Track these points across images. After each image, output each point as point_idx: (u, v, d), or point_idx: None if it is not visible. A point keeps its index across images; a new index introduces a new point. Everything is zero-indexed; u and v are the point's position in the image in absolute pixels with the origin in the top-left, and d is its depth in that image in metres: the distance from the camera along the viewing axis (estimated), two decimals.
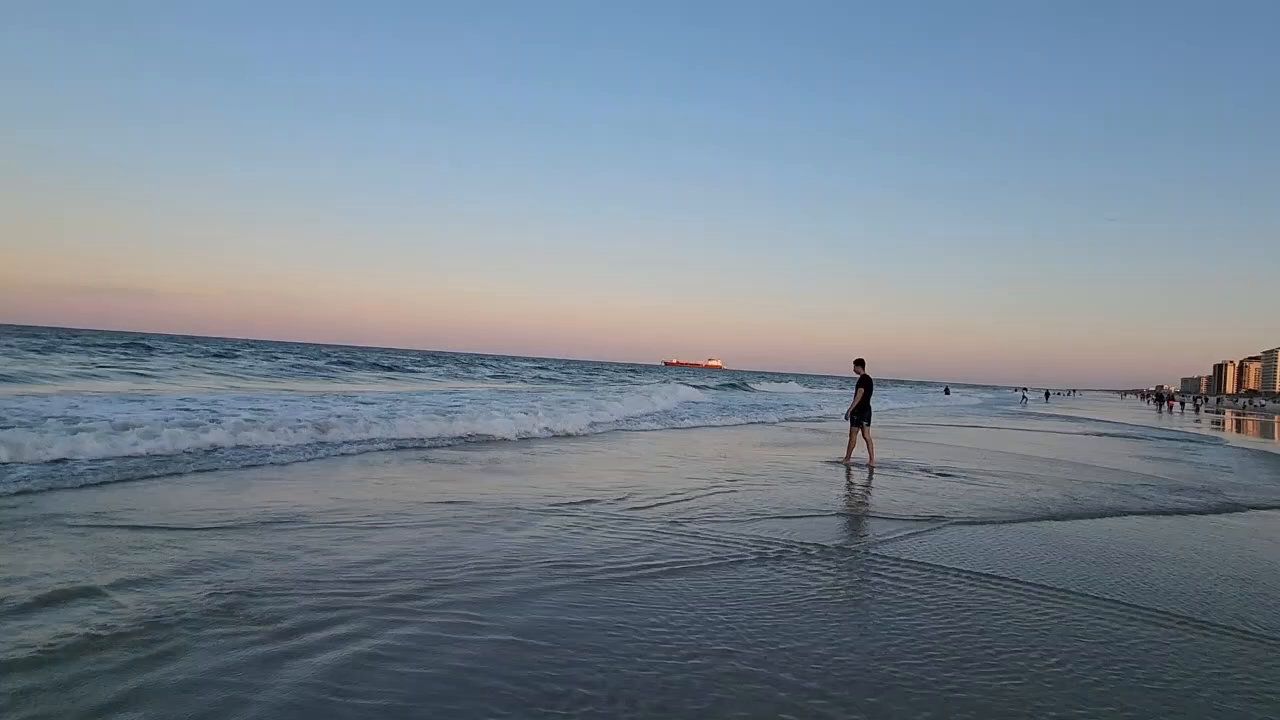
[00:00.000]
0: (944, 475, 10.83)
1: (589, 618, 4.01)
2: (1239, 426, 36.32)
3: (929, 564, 5.56)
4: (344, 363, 49.33)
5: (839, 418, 20.34)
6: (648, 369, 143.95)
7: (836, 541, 6.25)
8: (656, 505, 7.42)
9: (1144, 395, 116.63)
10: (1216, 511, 8.85)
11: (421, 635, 3.61)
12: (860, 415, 10.38)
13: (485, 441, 12.56)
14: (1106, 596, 4.90)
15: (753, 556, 5.54)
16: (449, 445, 11.93)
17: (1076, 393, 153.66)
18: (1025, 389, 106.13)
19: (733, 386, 54.31)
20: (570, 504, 7.31)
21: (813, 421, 23.42)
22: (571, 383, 46.12)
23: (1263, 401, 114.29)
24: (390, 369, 46.53)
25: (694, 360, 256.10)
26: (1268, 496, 10.34)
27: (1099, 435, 22.68)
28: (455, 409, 16.80)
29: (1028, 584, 5.14)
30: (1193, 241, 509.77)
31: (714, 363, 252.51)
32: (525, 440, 13.13)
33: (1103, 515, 8.13)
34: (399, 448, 11.18)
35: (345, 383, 31.53)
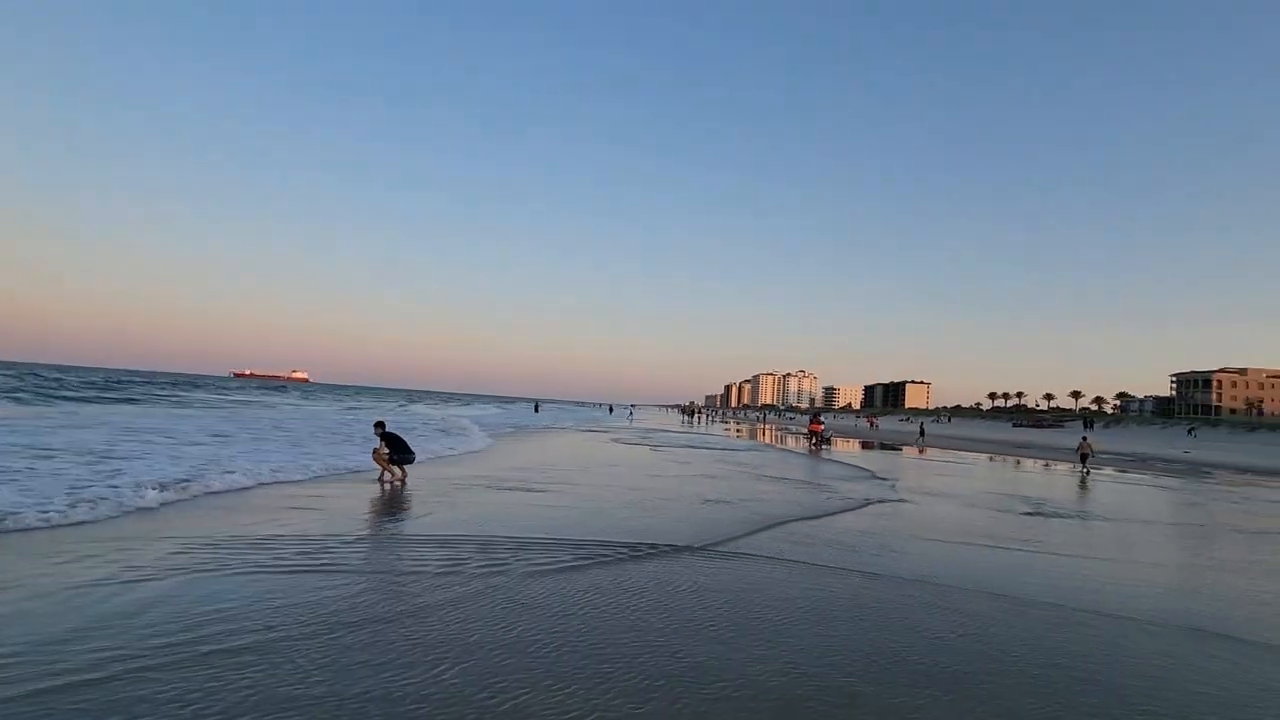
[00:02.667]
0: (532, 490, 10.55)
1: None
2: (738, 431, 47.60)
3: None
4: None
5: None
6: (210, 381, 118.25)
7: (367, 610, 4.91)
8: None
9: (681, 409, 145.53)
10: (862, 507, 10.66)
11: None
12: (401, 458, 11.15)
13: None
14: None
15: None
16: None
17: (637, 406, 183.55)
18: (631, 407, 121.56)
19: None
20: None
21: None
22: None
23: (757, 414, 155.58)
24: None
25: (273, 372, 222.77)
26: (871, 496, 12.75)
27: (672, 447, 26.30)
28: None
29: None
30: (706, 291, 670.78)
31: (299, 375, 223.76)
32: None
33: (762, 528, 8.64)
34: None
35: None
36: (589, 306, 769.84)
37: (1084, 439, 26.59)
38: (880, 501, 11.62)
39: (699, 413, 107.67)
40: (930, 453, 30.98)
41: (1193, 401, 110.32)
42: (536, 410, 76.78)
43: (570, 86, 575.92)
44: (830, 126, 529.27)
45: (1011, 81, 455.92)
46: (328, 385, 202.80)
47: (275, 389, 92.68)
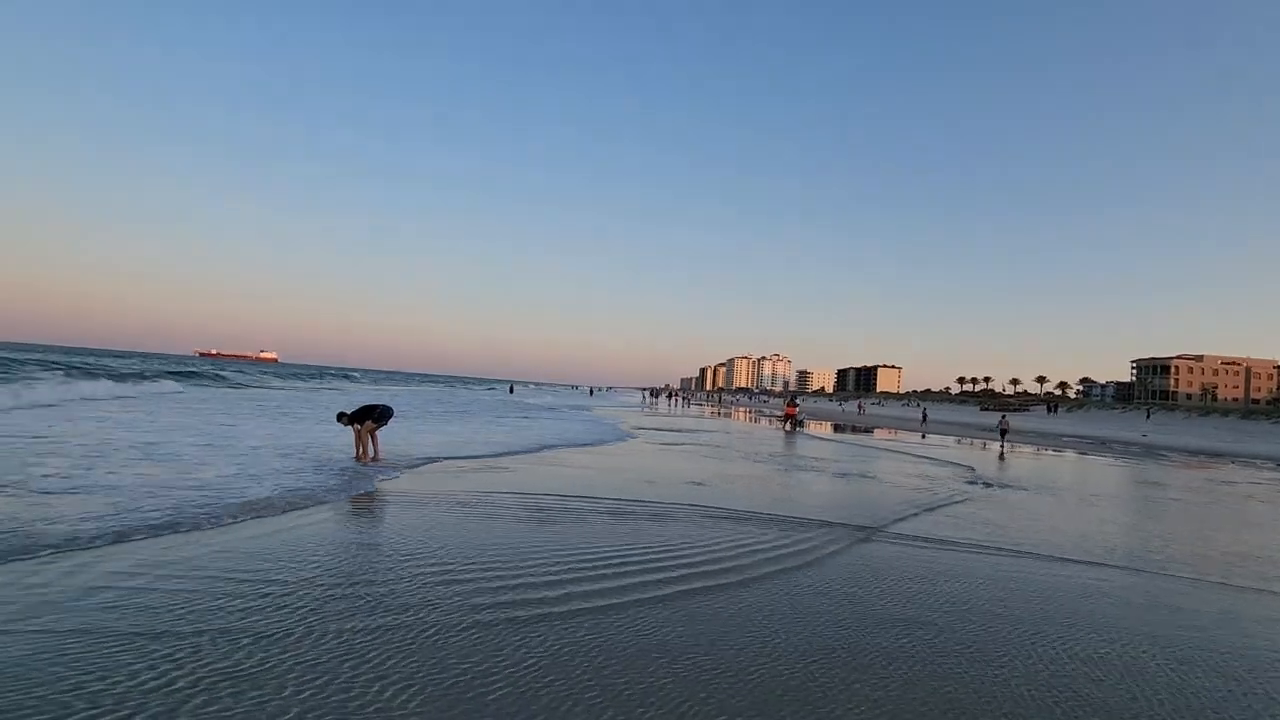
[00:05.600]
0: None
1: None
2: (715, 412, 48.22)
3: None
4: None
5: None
6: (169, 359, 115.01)
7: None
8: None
9: (652, 392, 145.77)
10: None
11: None
12: (377, 422, 11.10)
13: None
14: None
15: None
16: None
17: (613, 389, 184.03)
18: (603, 388, 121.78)
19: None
20: None
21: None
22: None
23: (734, 398, 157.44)
24: None
25: (240, 351, 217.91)
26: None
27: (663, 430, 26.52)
28: None
29: None
30: (685, 276, 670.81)
31: (268, 356, 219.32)
32: None
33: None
34: None
35: None
36: (566, 291, 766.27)
37: (1003, 417, 30.10)
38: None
39: (674, 395, 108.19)
40: (930, 437, 31.74)
41: (1151, 387, 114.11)
42: (511, 391, 76.74)
43: (561, 78, 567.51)
44: (814, 120, 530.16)
45: (982, 81, 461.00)
46: (299, 365, 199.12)
47: (251, 366, 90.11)
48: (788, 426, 30.48)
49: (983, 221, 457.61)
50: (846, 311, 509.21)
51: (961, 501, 10.35)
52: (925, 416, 48.67)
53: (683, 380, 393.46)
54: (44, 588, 4.13)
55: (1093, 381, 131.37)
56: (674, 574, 5.27)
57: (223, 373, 54.37)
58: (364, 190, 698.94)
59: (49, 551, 4.87)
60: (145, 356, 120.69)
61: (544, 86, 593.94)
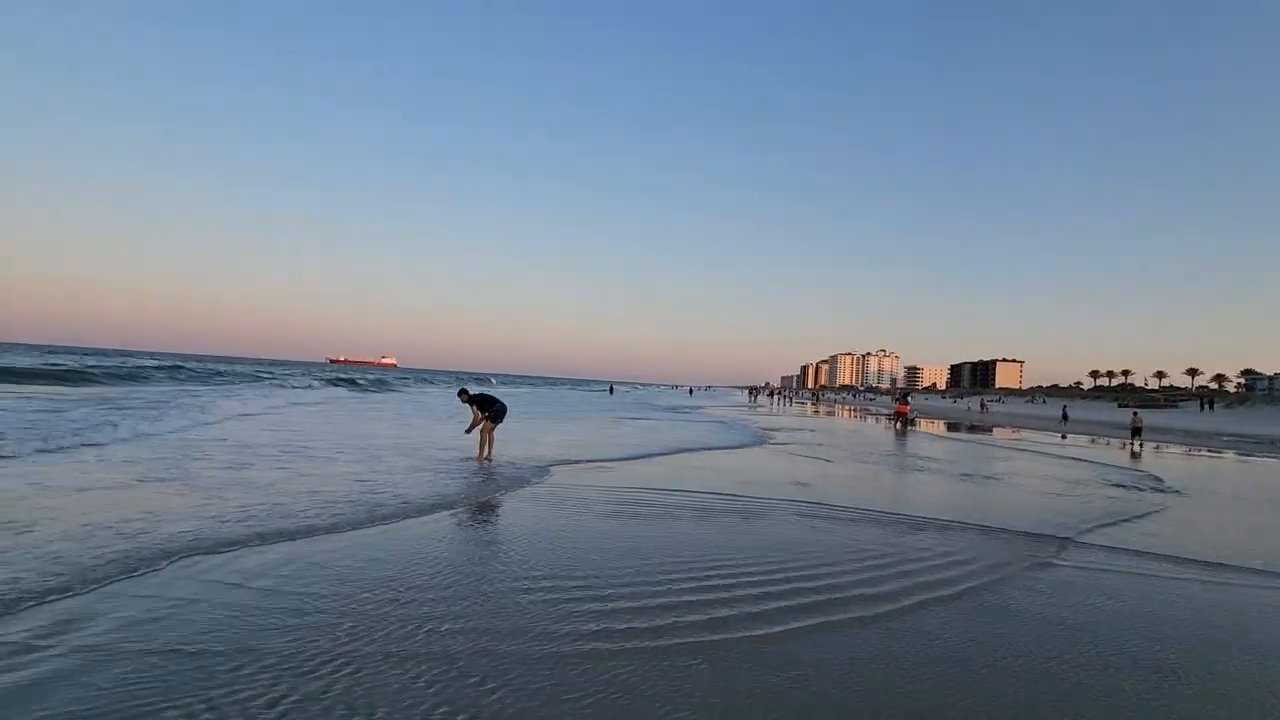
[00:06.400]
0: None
1: None
2: (817, 411, 46.93)
3: None
4: None
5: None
6: (307, 366, 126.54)
7: None
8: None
9: (753, 390, 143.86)
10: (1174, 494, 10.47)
11: None
12: (494, 419, 11.64)
13: None
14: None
15: None
16: None
17: (712, 388, 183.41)
18: (702, 387, 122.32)
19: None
20: None
21: None
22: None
23: (838, 395, 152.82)
24: None
25: (365, 357, 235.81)
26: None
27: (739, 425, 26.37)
28: None
29: None
30: (770, 277, 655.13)
31: (388, 360, 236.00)
32: None
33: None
34: None
35: None
36: (660, 291, 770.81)
37: (1135, 414, 26.72)
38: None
39: (774, 394, 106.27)
40: (1070, 437, 29.64)
41: None
42: (611, 392, 77.94)
43: (633, 75, 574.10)
44: (908, 105, 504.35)
45: (1098, 52, 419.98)
46: (416, 370, 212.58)
47: (375, 371, 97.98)
48: (898, 426, 29.26)
49: (1115, 197, 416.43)
50: (959, 304, 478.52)
51: (1152, 513, 9.40)
52: (1066, 415, 43.61)
53: (783, 378, 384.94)
54: (201, 577, 4.81)
55: (1257, 373, 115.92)
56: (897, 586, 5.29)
57: (377, 379, 61.12)
58: (452, 193, 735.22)
59: (168, 561, 4.84)
60: (303, 365, 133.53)
61: (639, 88, 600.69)
